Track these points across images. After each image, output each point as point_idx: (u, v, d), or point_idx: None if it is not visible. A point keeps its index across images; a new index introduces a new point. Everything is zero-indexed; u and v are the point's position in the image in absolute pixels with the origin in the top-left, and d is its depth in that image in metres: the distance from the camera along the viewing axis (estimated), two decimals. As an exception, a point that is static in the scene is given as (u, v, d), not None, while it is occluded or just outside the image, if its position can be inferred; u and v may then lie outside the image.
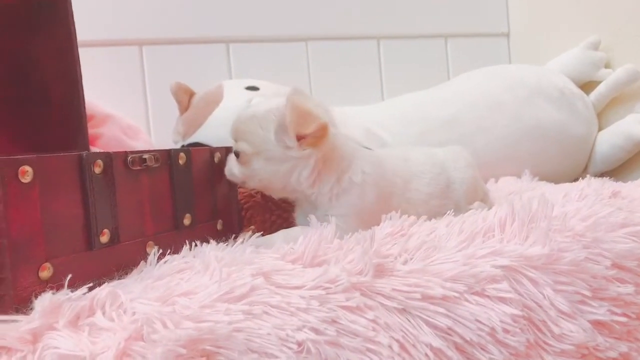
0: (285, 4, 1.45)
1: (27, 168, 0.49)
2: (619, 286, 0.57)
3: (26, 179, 0.49)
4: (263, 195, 0.84)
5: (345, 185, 0.73)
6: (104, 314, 0.45)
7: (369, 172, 0.74)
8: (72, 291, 0.46)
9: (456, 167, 0.84)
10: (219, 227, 0.78)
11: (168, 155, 0.68)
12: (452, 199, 0.82)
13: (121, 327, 0.42)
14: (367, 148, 0.97)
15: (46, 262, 0.51)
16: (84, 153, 0.56)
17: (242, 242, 0.62)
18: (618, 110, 1.33)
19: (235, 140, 0.75)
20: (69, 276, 0.48)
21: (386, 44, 1.55)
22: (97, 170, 0.57)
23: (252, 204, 0.85)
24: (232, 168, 0.75)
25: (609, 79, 1.31)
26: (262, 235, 0.67)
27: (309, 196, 0.74)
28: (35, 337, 0.42)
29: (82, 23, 0.94)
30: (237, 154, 0.74)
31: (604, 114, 1.36)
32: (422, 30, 1.59)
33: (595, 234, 0.60)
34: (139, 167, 0.63)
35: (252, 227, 0.82)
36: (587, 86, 1.37)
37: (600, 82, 1.33)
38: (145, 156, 0.63)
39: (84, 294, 0.47)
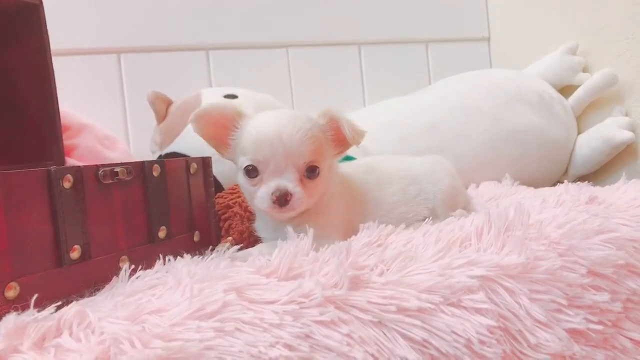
0: (266, 10, 1.44)
1: (-9, 185, 0.48)
2: (594, 294, 0.57)
3: (-10, 195, 0.48)
4: (241, 206, 0.83)
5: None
6: (70, 334, 0.43)
7: (337, 189, 0.76)
8: (38, 311, 0.45)
9: (432, 179, 0.84)
10: (195, 238, 0.76)
11: (141, 168, 0.67)
12: (424, 206, 0.83)
13: (88, 349, 0.41)
14: (350, 157, 0.97)
15: (12, 281, 0.49)
16: (52, 168, 0.54)
17: (218, 255, 0.61)
18: (597, 114, 1.34)
19: (301, 156, 0.66)
20: (35, 296, 0.46)
21: (367, 49, 1.55)
22: (67, 185, 0.56)
23: (230, 214, 0.84)
24: (296, 191, 0.66)
25: (587, 83, 1.32)
26: (240, 245, 0.66)
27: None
28: (-1, 360, 0.41)
29: (59, 31, 0.92)
30: (311, 172, 0.67)
31: (583, 118, 1.37)
32: (403, 35, 1.59)
33: (570, 242, 0.60)
34: (110, 181, 0.61)
35: (230, 238, 0.80)
36: (565, 90, 1.38)
37: (578, 86, 1.34)
38: (117, 169, 0.62)
39: (51, 313, 0.45)
